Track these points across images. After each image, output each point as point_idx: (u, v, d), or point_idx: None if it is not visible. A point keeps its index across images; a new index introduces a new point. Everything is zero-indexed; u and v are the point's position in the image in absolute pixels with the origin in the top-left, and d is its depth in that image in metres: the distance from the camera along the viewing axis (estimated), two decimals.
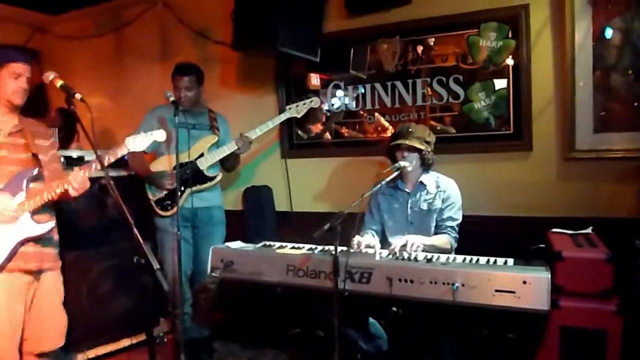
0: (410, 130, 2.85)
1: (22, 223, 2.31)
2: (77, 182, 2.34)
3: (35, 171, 2.36)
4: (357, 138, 3.66)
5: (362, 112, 3.62)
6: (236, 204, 4.05)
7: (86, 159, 3.27)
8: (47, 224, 2.38)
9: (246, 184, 3.99)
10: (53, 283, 2.49)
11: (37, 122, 2.62)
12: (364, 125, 3.63)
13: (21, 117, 2.47)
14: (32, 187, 2.35)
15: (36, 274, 2.40)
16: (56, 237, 2.52)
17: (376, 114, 3.57)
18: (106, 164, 2.39)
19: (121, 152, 2.45)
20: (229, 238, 3.33)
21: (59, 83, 2.33)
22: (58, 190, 2.33)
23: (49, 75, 2.35)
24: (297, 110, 3.50)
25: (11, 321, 2.30)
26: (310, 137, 3.83)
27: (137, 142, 2.48)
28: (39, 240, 2.38)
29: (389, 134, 3.50)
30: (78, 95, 2.26)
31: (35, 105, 4.69)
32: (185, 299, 3.40)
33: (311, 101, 3.52)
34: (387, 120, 3.54)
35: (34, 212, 2.34)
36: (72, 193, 2.36)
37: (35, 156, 2.39)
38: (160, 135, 2.55)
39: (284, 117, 3.50)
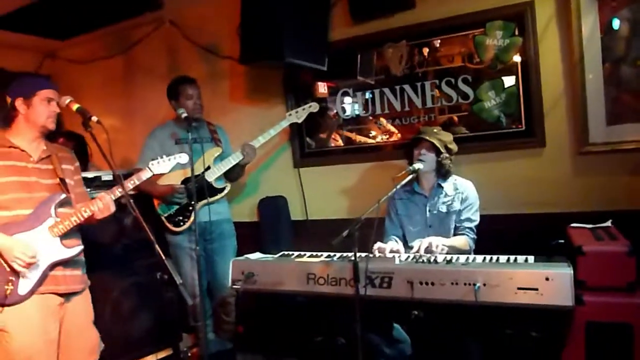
0: (435, 131, 2.86)
1: (52, 247, 2.33)
2: (102, 206, 2.39)
3: (64, 196, 2.40)
4: (369, 144, 3.67)
5: (372, 118, 3.64)
6: (251, 216, 4.07)
7: (103, 179, 3.32)
8: (76, 248, 2.42)
9: (260, 195, 4.01)
10: (82, 304, 2.52)
11: (62, 147, 2.69)
12: (375, 131, 3.64)
13: (47, 143, 2.52)
14: (60, 211, 2.39)
15: (66, 296, 2.43)
16: (82, 259, 2.55)
17: (382, 119, 3.58)
18: (131, 187, 2.50)
19: (145, 175, 2.56)
20: (243, 250, 3.34)
21: (75, 107, 2.38)
22: (85, 213, 2.37)
23: (65, 100, 2.40)
24: (297, 116, 3.52)
25: (46, 343, 2.32)
26: (321, 144, 3.85)
27: (161, 166, 2.60)
28: (67, 263, 2.41)
29: (394, 137, 3.54)
30: (94, 118, 2.32)
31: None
32: (205, 312, 3.42)
33: (310, 106, 3.54)
34: (396, 125, 3.54)
35: (63, 236, 2.37)
36: (98, 215, 2.40)
37: (62, 181, 2.43)
38: (183, 158, 2.68)
39: (285, 123, 3.52)
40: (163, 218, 3.44)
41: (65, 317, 2.42)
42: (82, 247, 2.47)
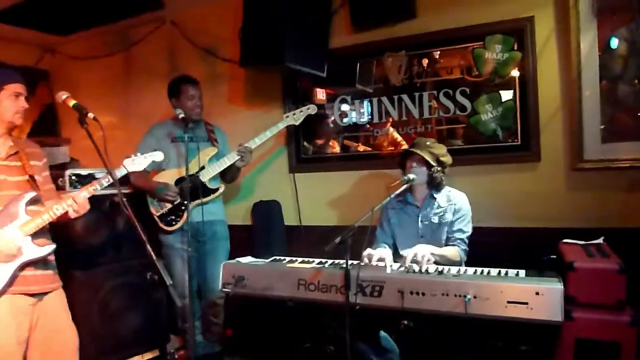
0: (427, 143, 2.86)
1: (23, 246, 2.24)
2: (77, 204, 2.31)
3: (34, 194, 2.30)
4: (365, 152, 3.67)
5: (369, 126, 3.64)
6: (245, 219, 4.06)
7: (97, 176, 3.30)
8: (48, 247, 2.33)
9: (255, 199, 4.00)
10: (57, 303, 2.42)
11: (30, 143, 2.57)
12: (372, 139, 3.64)
13: (14, 138, 2.41)
14: (30, 209, 2.29)
15: (39, 296, 2.33)
16: (52, 259, 2.44)
17: (390, 127, 3.58)
18: (105, 184, 2.39)
19: (119, 173, 2.44)
20: (236, 253, 3.33)
21: (72, 103, 2.32)
22: (58, 211, 2.28)
23: (62, 95, 2.35)
24: (294, 118, 3.51)
25: (18, 344, 2.24)
26: (318, 151, 3.85)
27: (136, 163, 2.52)
28: (38, 263, 2.31)
29: (393, 147, 3.53)
30: (91, 115, 2.26)
31: (46, 124, 4.83)
32: (193, 313, 3.40)
33: (308, 108, 3.54)
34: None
35: (33, 235, 2.27)
36: (72, 215, 2.32)
37: (31, 178, 2.33)
38: (158, 156, 2.60)
39: (281, 125, 3.50)
40: (155, 217, 3.42)
41: (41, 318, 2.34)
42: (54, 246, 2.37)
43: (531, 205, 3.11)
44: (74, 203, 2.30)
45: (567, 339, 2.23)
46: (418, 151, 2.79)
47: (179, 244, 3.40)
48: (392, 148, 3.55)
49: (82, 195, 2.34)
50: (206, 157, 3.45)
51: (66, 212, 2.31)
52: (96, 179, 3.03)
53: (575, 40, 2.93)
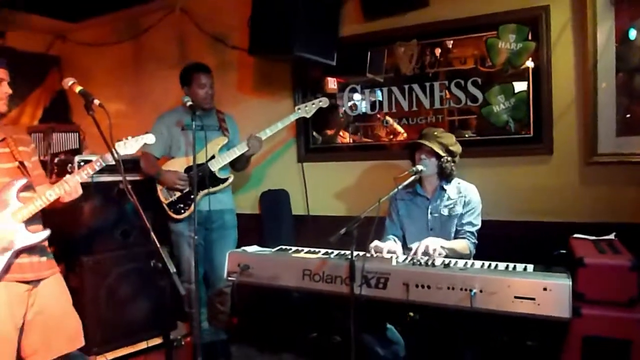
0: (435, 134, 2.81)
1: (17, 233, 2.21)
2: (70, 187, 2.29)
3: (25, 180, 2.26)
4: (374, 142, 3.64)
5: (379, 116, 3.60)
6: (253, 208, 4.06)
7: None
8: (42, 233, 2.30)
9: (263, 188, 4.00)
10: (55, 287, 2.40)
11: (17, 128, 2.51)
12: (381, 129, 3.60)
13: (0, 126, 2.36)
14: (22, 196, 2.26)
15: (34, 282, 2.31)
16: (47, 245, 2.41)
17: (389, 118, 3.54)
18: (97, 168, 2.37)
19: (111, 157, 2.34)
20: (245, 241, 3.33)
21: (78, 89, 2.29)
22: (51, 197, 2.25)
23: (68, 81, 2.33)
24: (305, 110, 3.49)
25: (12, 330, 2.23)
26: (327, 140, 3.82)
27: (127, 147, 2.47)
28: (33, 250, 2.29)
29: (400, 137, 3.50)
30: (97, 101, 2.23)
31: (57, 111, 4.85)
32: (200, 300, 3.41)
33: (320, 101, 3.50)
34: (403, 124, 3.51)
35: (27, 222, 2.25)
36: (65, 199, 2.30)
37: (21, 164, 2.30)
38: (149, 138, 2.56)
39: (293, 117, 3.48)
40: (164, 205, 3.43)
41: (37, 304, 2.31)
42: (48, 232, 2.33)
43: (542, 199, 3.06)
44: (66, 185, 2.28)
45: (575, 336, 2.19)
46: (426, 142, 2.75)
47: (187, 231, 3.40)
48: (391, 137, 3.52)
49: (75, 179, 2.31)
50: (216, 146, 3.44)
51: (59, 197, 2.29)
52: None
53: (592, 30, 2.85)
